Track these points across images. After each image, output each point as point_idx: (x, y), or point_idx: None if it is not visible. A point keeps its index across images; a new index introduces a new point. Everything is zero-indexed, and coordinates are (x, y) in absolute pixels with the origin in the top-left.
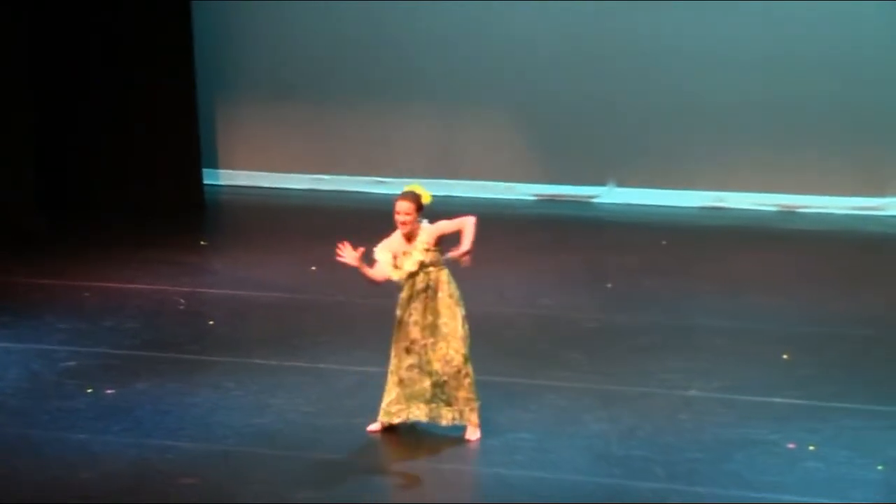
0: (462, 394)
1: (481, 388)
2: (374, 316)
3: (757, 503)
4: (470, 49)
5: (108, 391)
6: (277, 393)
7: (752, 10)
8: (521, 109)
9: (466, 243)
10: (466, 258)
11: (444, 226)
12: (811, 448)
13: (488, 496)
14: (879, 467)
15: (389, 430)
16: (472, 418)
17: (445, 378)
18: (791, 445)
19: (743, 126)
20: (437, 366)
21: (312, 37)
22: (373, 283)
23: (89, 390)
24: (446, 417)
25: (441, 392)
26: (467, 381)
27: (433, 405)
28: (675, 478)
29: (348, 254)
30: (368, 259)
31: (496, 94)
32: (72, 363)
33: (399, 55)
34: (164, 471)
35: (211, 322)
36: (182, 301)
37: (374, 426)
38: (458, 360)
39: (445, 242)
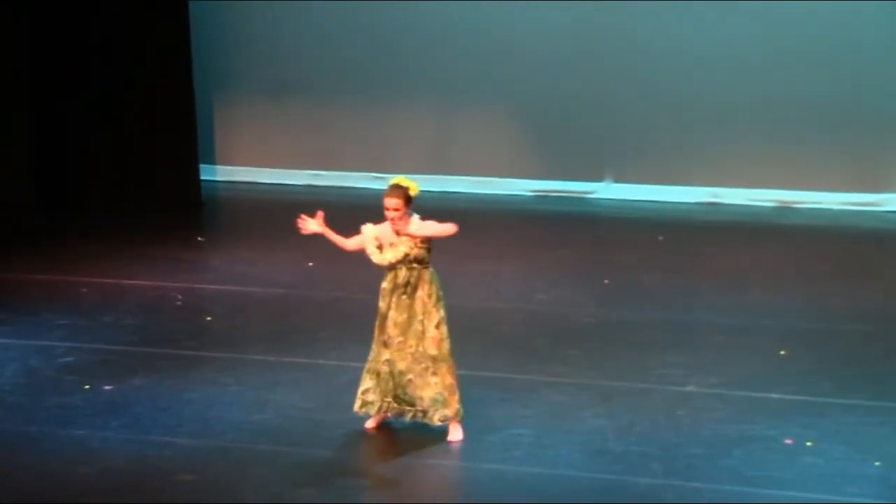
0: (428, 393)
1: (478, 385)
2: (372, 312)
3: (755, 501)
4: (467, 45)
5: (106, 387)
6: (276, 389)
7: (748, 8)
8: (519, 105)
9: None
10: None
11: (431, 228)
12: (809, 444)
13: (486, 492)
14: (877, 463)
15: (387, 426)
16: (436, 418)
17: (410, 377)
18: (788, 441)
19: (739, 122)
20: (401, 365)
21: (309, 33)
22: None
23: (87, 386)
24: (407, 415)
25: (403, 392)
26: (434, 379)
27: (397, 403)
28: (673, 474)
29: (309, 224)
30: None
31: (493, 90)
32: (70, 359)
33: (397, 51)
34: (162, 467)
35: (209, 318)
36: (180, 297)
37: (373, 422)
38: (425, 361)
39: (433, 242)
